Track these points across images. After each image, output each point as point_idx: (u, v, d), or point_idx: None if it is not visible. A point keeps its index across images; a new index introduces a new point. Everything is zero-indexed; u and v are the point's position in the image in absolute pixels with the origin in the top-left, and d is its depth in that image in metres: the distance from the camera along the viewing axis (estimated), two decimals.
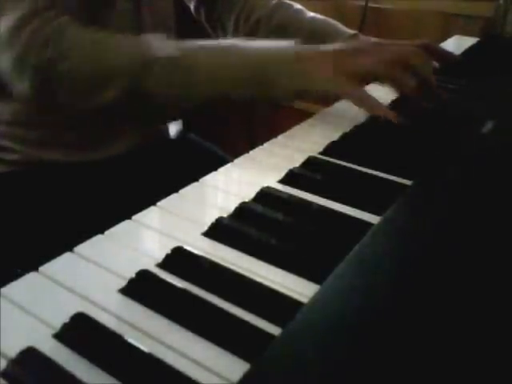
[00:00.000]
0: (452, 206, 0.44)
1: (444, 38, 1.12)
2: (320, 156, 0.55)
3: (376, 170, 0.51)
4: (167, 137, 0.88)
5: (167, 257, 0.37)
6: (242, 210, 0.44)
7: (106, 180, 0.71)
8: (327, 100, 0.68)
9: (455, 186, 0.47)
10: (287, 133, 0.62)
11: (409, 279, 0.35)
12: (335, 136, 0.60)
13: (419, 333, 0.30)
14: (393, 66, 0.60)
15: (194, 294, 0.34)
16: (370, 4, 1.49)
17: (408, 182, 0.49)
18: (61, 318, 0.31)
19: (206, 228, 0.41)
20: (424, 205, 0.45)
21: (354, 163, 0.53)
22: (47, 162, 0.71)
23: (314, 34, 0.83)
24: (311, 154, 0.55)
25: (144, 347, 0.29)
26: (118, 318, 0.32)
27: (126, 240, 0.40)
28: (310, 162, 0.53)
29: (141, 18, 0.72)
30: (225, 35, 0.91)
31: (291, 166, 0.51)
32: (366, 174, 0.51)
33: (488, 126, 0.58)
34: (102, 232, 0.40)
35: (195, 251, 0.38)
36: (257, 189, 0.47)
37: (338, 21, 0.86)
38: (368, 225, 0.41)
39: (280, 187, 0.48)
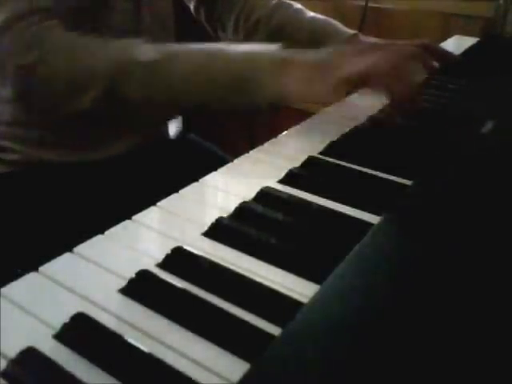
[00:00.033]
0: (452, 205, 0.44)
1: (444, 38, 1.12)
2: (320, 156, 0.55)
3: (376, 170, 0.51)
4: (167, 137, 0.88)
5: (167, 257, 0.37)
6: (242, 210, 0.44)
7: (105, 180, 0.71)
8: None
9: (455, 186, 0.47)
10: (287, 133, 0.62)
11: (409, 279, 0.35)
12: (335, 136, 0.60)
13: (419, 333, 0.30)
14: (387, 72, 0.58)
15: (193, 294, 0.34)
16: (370, 4, 1.49)
17: (408, 182, 0.49)
18: (61, 318, 0.31)
19: (206, 228, 0.41)
20: (424, 205, 0.45)
21: (353, 163, 0.53)
22: (47, 162, 0.71)
23: (313, 34, 0.83)
24: (311, 154, 0.55)
25: (144, 347, 0.29)
26: (118, 317, 0.32)
27: (126, 240, 0.40)
28: (309, 162, 0.53)
29: (140, 18, 0.72)
30: (225, 35, 0.91)
31: (291, 166, 0.51)
32: (366, 173, 0.51)
33: (488, 126, 0.58)
34: (102, 232, 0.40)
35: (195, 251, 0.38)
36: (257, 189, 0.47)
37: (338, 21, 0.86)
38: (368, 225, 0.41)
39: (280, 187, 0.48)
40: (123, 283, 0.35)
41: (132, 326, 0.31)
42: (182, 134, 0.93)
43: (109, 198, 0.69)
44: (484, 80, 0.81)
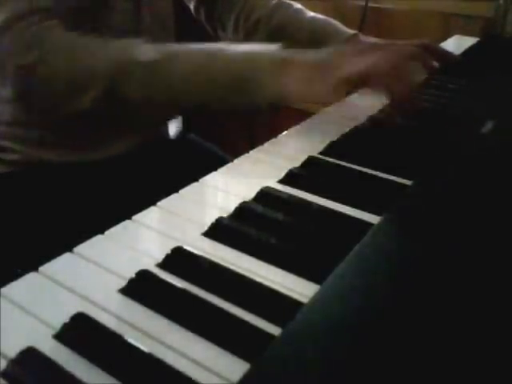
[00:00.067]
0: (452, 205, 0.44)
1: (444, 38, 1.12)
2: (320, 156, 0.55)
3: (376, 170, 0.51)
4: (167, 137, 0.88)
5: (167, 257, 0.37)
6: (242, 210, 0.44)
7: (105, 180, 0.71)
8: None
9: (455, 186, 0.47)
10: (287, 133, 0.62)
11: (409, 279, 0.35)
12: (335, 136, 0.60)
13: (419, 333, 0.30)
14: (387, 72, 0.58)
15: (193, 294, 0.34)
16: (370, 4, 1.49)
17: (408, 182, 0.49)
18: (61, 318, 0.31)
19: (206, 228, 0.41)
20: (424, 205, 0.45)
21: (353, 163, 0.53)
22: (47, 162, 0.71)
23: (314, 34, 0.83)
24: (311, 154, 0.55)
25: (144, 347, 0.29)
26: (118, 317, 0.32)
27: (126, 240, 0.40)
28: (309, 162, 0.53)
29: (140, 18, 0.72)
30: (225, 35, 0.91)
31: (291, 166, 0.51)
32: (366, 173, 0.51)
33: (488, 126, 0.58)
34: (102, 232, 0.40)
35: (195, 251, 0.38)
36: (257, 189, 0.47)
37: (338, 21, 0.86)
38: (368, 225, 0.41)
39: (280, 187, 0.48)
40: (123, 283, 0.35)
41: (132, 325, 0.31)
42: (181, 134, 0.93)
43: (109, 198, 0.69)
44: (484, 80, 0.81)
